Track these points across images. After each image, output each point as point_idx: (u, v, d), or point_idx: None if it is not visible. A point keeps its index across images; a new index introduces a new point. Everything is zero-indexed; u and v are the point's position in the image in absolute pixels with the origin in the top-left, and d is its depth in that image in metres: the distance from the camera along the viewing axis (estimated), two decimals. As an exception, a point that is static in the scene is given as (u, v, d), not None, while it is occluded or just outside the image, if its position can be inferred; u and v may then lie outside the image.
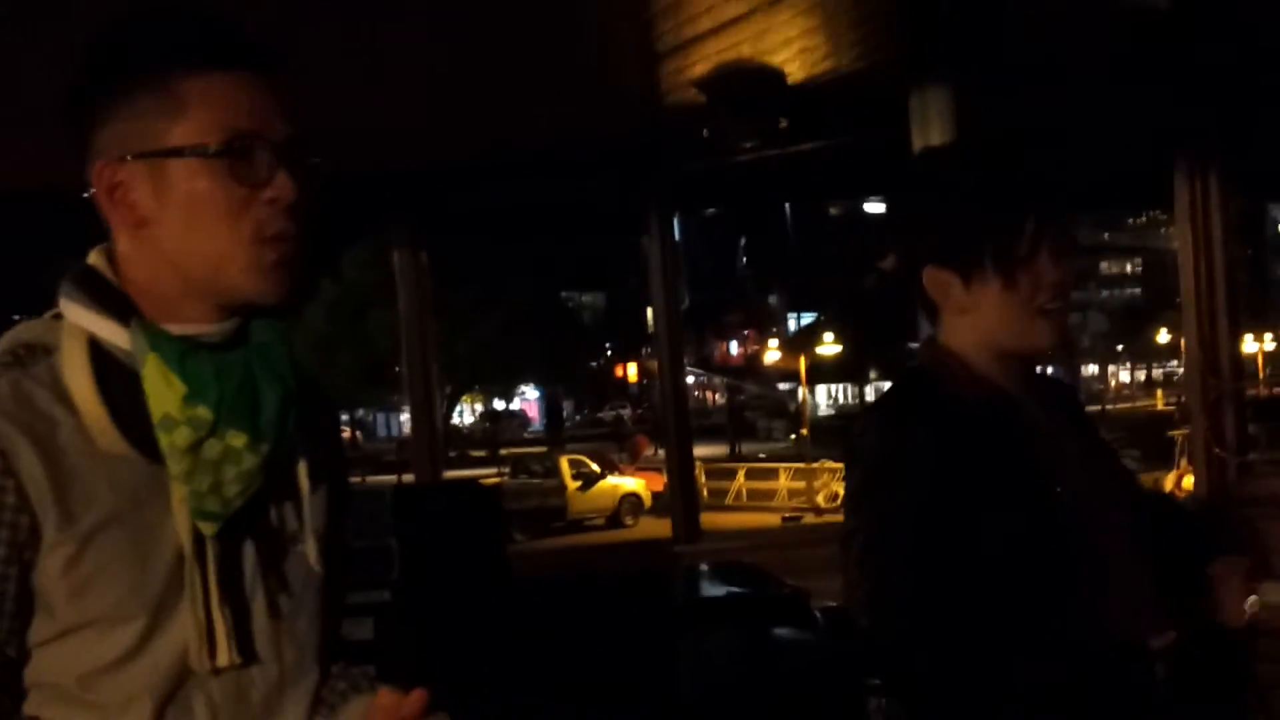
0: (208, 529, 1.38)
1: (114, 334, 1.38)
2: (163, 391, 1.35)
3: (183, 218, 1.38)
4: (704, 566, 5.34)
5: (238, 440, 1.37)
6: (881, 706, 4.48)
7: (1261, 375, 34.52)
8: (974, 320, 2.08)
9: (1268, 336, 37.12)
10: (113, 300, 1.40)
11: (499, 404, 42.71)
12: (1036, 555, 1.99)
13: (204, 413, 1.35)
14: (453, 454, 31.33)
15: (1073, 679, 1.98)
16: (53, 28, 3.28)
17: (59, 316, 1.42)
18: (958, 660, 1.98)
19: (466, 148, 5.29)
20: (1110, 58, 4.71)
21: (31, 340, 1.40)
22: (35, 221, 5.23)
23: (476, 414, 42.16)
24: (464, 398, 38.35)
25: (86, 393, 1.35)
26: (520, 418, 44.50)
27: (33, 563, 1.34)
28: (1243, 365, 5.53)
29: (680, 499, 5.74)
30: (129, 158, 1.38)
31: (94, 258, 1.44)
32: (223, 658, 1.39)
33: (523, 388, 42.45)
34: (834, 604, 4.87)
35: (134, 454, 1.36)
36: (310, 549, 1.49)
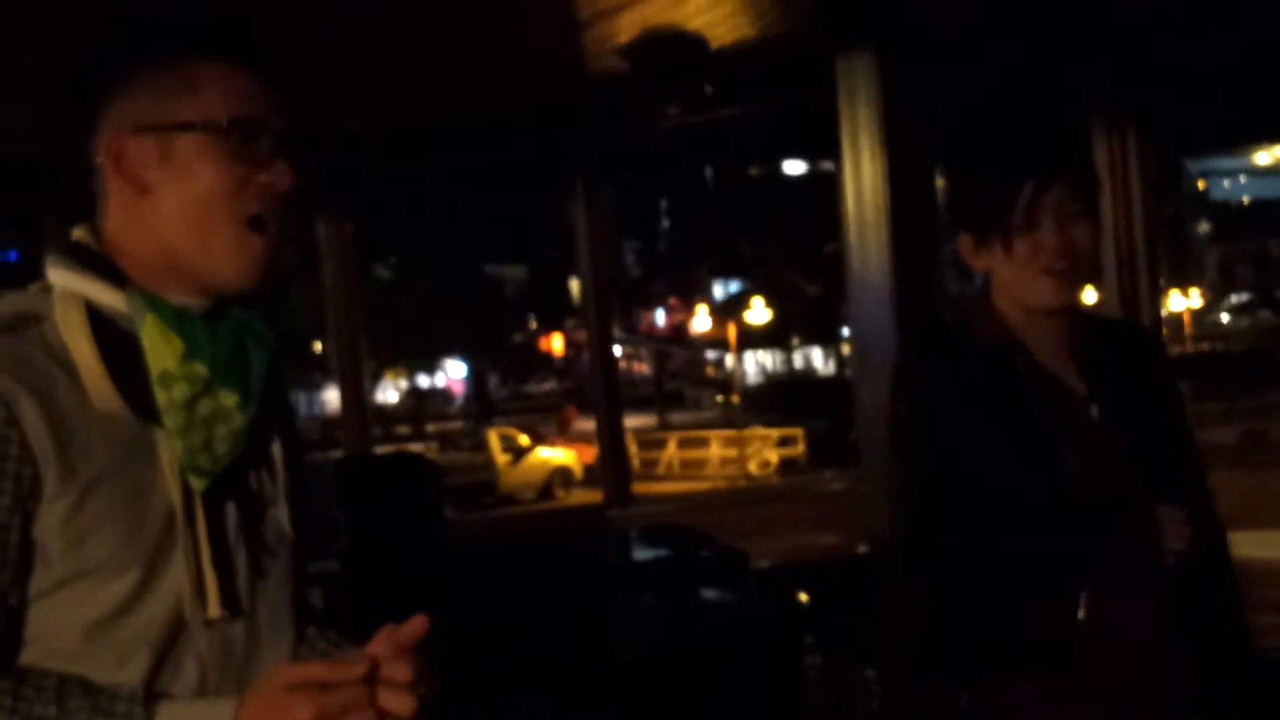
0: (198, 485, 1.44)
1: (110, 297, 1.45)
2: (162, 349, 1.42)
3: (182, 190, 1.45)
4: (635, 530, 5.38)
5: (229, 400, 1.45)
6: (817, 664, 4.56)
7: (1188, 332, 35.12)
8: (994, 277, 2.27)
9: (1194, 293, 37.61)
10: (106, 268, 1.46)
11: (423, 380, 42.38)
12: (1013, 477, 2.20)
13: (201, 369, 1.43)
14: (377, 431, 31.10)
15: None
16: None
17: (47, 289, 1.47)
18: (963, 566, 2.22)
19: (389, 116, 5.24)
20: (1030, 17, 4.76)
21: (20, 310, 1.45)
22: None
23: (401, 391, 41.81)
24: (387, 373, 38.01)
25: (86, 351, 1.41)
26: (445, 394, 44.18)
27: (34, 513, 1.38)
28: (1161, 324, 5.63)
29: (611, 463, 5.76)
30: (140, 130, 1.45)
31: (79, 233, 1.50)
32: (213, 610, 1.45)
33: (446, 363, 42.14)
34: (767, 564, 4.94)
35: (126, 413, 1.42)
36: (282, 512, 1.56)
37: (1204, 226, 43.85)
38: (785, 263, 36.01)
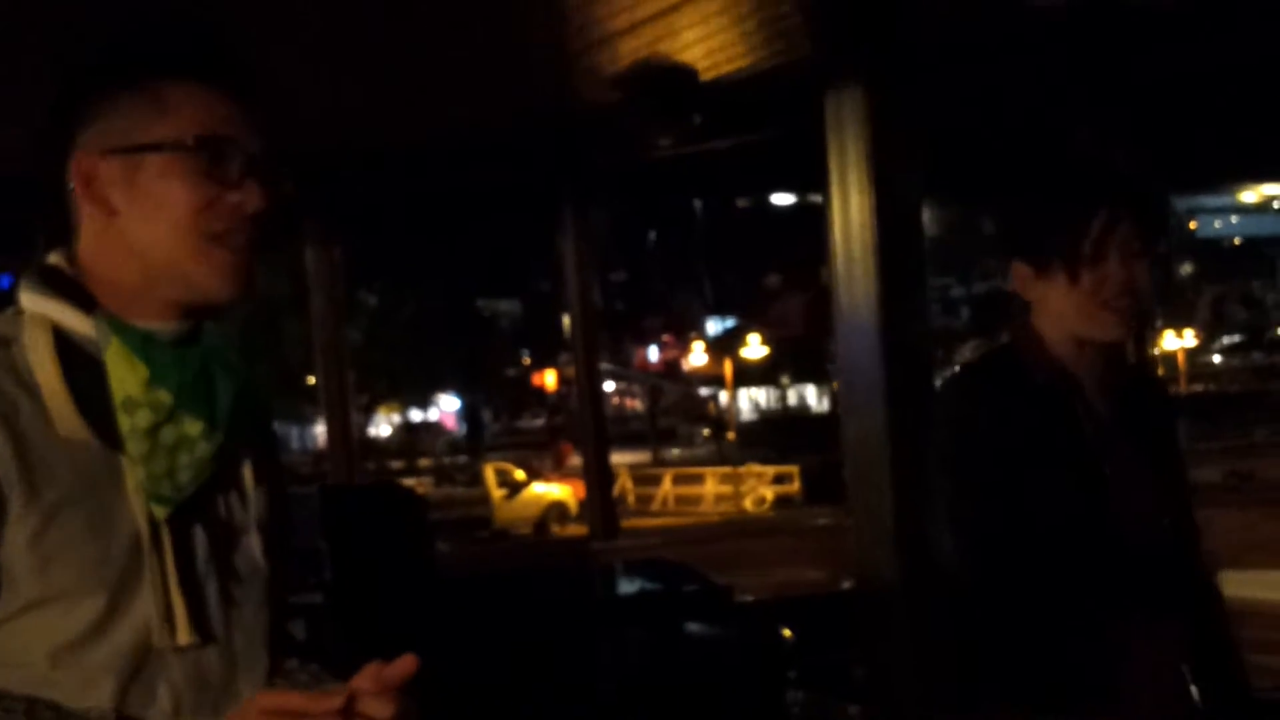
0: (160, 512, 1.42)
1: (77, 322, 1.43)
2: (126, 375, 1.41)
3: (151, 210, 1.44)
4: (620, 563, 5.36)
5: (193, 428, 1.43)
6: (800, 700, 4.54)
7: (1182, 370, 35.13)
8: (1048, 308, 2.26)
9: (1188, 333, 37.60)
10: (75, 292, 1.45)
11: (416, 414, 42.39)
12: (1069, 513, 2.20)
13: (164, 396, 1.41)
14: (370, 465, 31.13)
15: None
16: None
17: (19, 313, 1.45)
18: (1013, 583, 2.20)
19: (380, 145, 5.26)
20: (1016, 57, 4.79)
21: None
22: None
23: (394, 425, 41.84)
24: (380, 408, 38.03)
25: (51, 376, 1.40)
26: (437, 428, 44.20)
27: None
28: (1154, 363, 5.64)
29: (597, 496, 5.74)
30: (108, 152, 1.44)
31: (54, 258, 1.49)
32: (182, 636, 1.43)
33: (439, 398, 42.20)
34: (751, 598, 4.92)
35: (91, 439, 1.40)
36: (254, 542, 1.54)
37: (1191, 267, 43.82)
38: (758, 303, 36.19)
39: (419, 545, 4.96)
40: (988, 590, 2.23)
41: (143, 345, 1.43)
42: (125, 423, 1.40)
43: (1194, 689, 2.26)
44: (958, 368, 2.67)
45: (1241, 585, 3.98)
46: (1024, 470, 2.20)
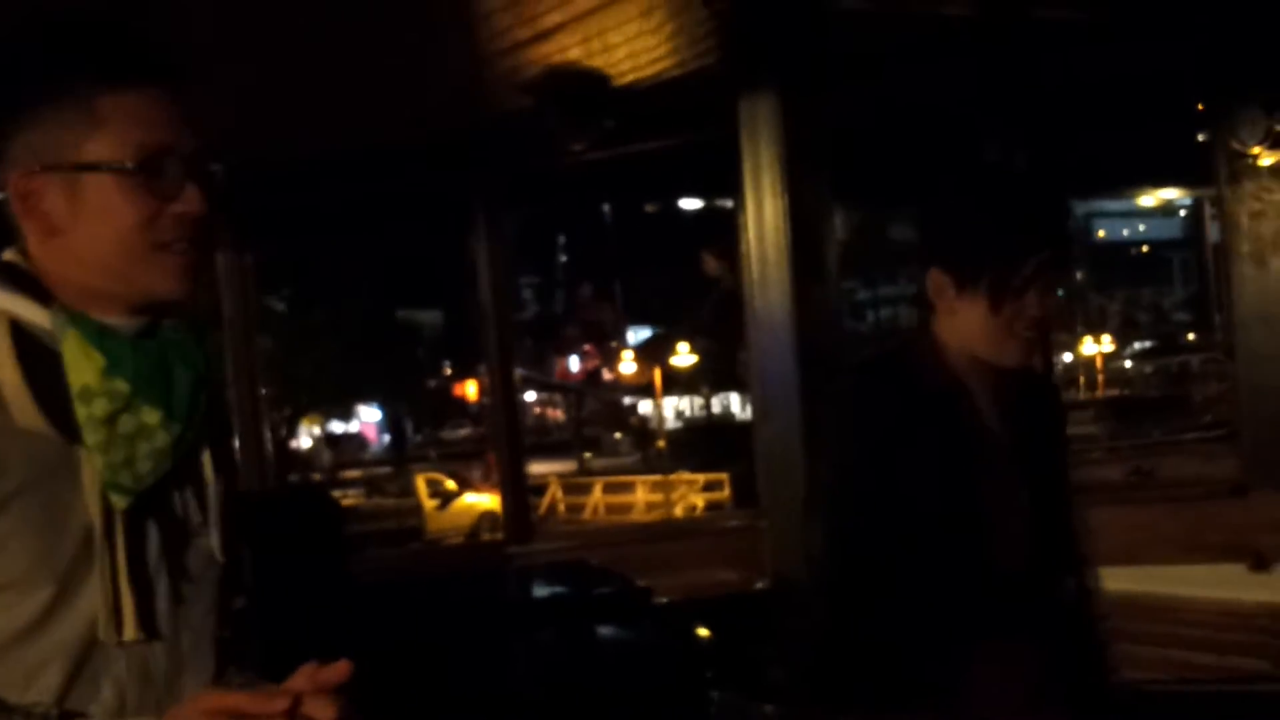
0: (120, 502, 1.42)
1: (34, 314, 1.43)
2: (82, 364, 1.41)
3: (94, 228, 1.43)
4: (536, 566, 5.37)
5: (151, 417, 1.43)
6: (717, 700, 4.56)
7: (1100, 377, 35.83)
8: (955, 321, 2.28)
9: (1105, 339, 38.40)
10: (32, 287, 1.44)
11: (338, 426, 41.98)
12: (936, 521, 2.22)
13: (121, 385, 1.41)
14: (294, 478, 30.83)
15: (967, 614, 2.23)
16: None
17: None
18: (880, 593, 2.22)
19: (292, 147, 5.21)
20: (924, 62, 4.87)
21: None
22: None
23: (314, 437, 41.38)
24: (302, 420, 37.62)
25: (8, 367, 1.40)
26: (359, 440, 43.82)
27: None
28: (1053, 369, 5.74)
29: (511, 499, 5.72)
30: (45, 169, 1.43)
31: (9, 254, 1.49)
32: (129, 632, 1.42)
33: (360, 408, 41.83)
34: (667, 600, 4.94)
35: (48, 430, 1.40)
36: (214, 540, 1.54)
37: (1093, 275, 44.34)
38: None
39: (333, 548, 4.93)
40: (846, 590, 2.26)
41: (99, 335, 1.43)
42: (82, 412, 1.40)
43: (1055, 697, 2.30)
44: (847, 370, 2.67)
45: (1140, 580, 4.07)
46: (898, 476, 2.21)
